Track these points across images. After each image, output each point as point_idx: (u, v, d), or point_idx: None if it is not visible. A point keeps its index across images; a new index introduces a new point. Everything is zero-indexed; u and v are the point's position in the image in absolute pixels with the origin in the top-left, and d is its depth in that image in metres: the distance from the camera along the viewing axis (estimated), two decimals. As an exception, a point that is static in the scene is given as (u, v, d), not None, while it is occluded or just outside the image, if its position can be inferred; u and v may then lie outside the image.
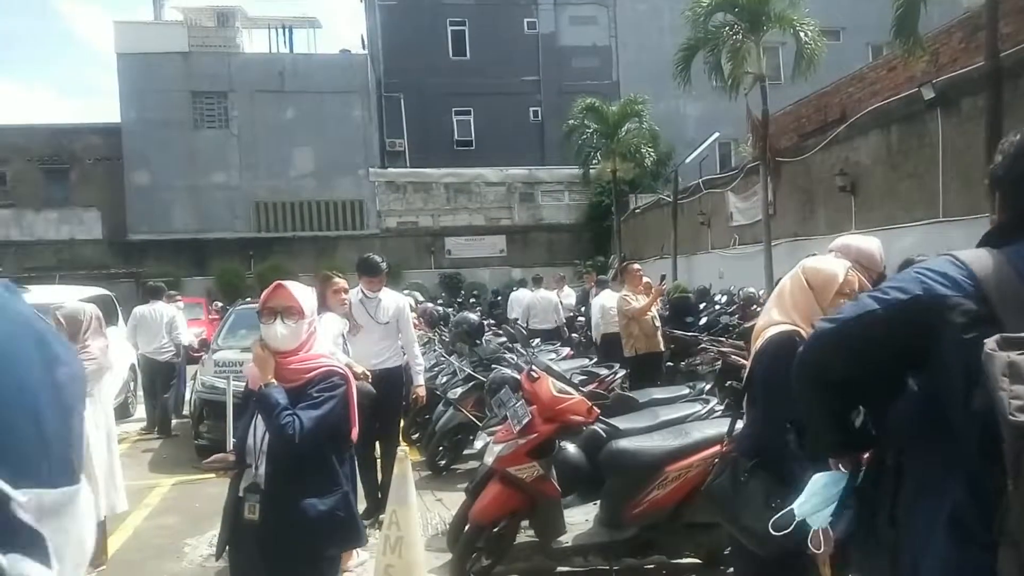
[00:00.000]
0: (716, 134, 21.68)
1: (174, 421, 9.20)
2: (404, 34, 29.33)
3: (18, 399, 0.60)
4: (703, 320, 10.93)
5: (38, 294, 7.23)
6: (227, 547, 2.74)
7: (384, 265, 5.45)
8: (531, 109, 30.81)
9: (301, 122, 27.89)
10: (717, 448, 4.12)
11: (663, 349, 7.63)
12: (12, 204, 26.73)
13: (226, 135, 27.88)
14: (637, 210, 24.74)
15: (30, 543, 0.57)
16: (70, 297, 6.84)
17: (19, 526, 0.56)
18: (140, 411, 9.64)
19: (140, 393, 9.84)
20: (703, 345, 8.46)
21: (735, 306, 11.62)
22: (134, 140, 27.11)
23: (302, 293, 2.70)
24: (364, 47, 30.30)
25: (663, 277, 8.05)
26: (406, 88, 29.59)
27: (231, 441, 7.27)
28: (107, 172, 27.89)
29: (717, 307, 12.26)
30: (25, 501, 0.57)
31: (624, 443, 3.94)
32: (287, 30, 29.77)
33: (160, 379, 9.12)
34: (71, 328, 4.68)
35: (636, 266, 7.63)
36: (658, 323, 7.55)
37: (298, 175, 28.47)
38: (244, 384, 2.92)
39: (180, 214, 27.77)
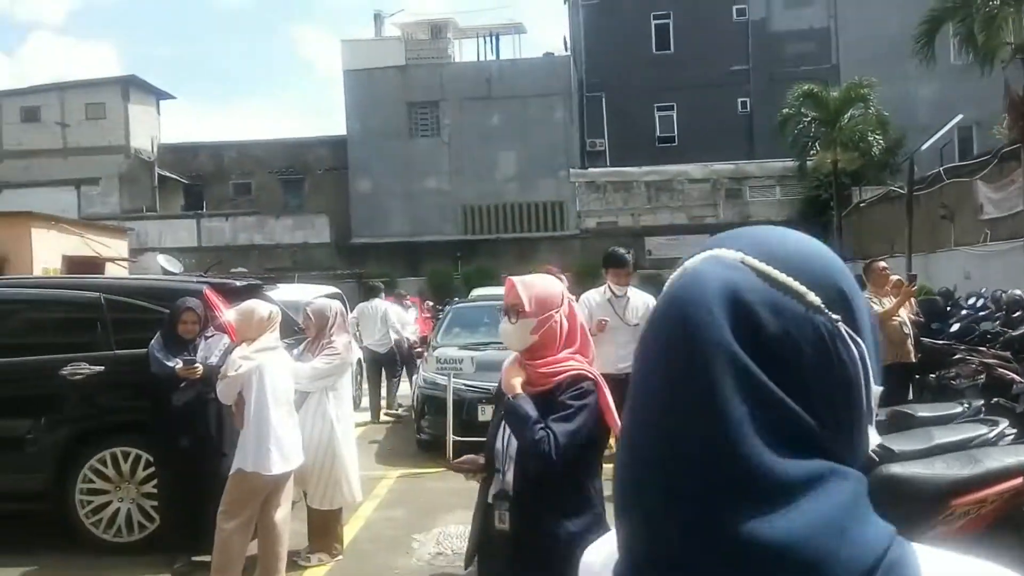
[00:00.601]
0: (959, 116, 19.17)
1: (383, 413, 9.90)
2: (607, 32, 29.13)
3: None
4: (954, 326, 9.61)
5: (285, 292, 7.85)
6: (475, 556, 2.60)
7: (630, 257, 5.19)
8: (739, 100, 29.39)
9: (506, 127, 28.63)
10: (1019, 481, 3.46)
11: (914, 359, 6.72)
12: (256, 212, 29.84)
13: (437, 143, 29.26)
14: (862, 204, 22.64)
15: None
16: (310, 295, 7.34)
17: None
18: (364, 402, 10.24)
19: (365, 386, 10.44)
20: (960, 355, 7.38)
21: (993, 311, 10.18)
22: (357, 150, 29.26)
23: (531, 289, 2.49)
24: (567, 48, 30.49)
25: (913, 277, 7.09)
26: (607, 87, 29.39)
27: (451, 437, 7.45)
28: (334, 181, 30.35)
29: (968, 311, 10.76)
30: None
31: (898, 468, 3.39)
32: (494, 38, 30.71)
33: (386, 368, 9.95)
34: (318, 323, 4.90)
35: (882, 264, 6.77)
36: (907, 329, 6.67)
37: (502, 178, 29.24)
38: (495, 386, 2.74)
39: (396, 218, 29.53)
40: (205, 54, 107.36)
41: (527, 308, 2.43)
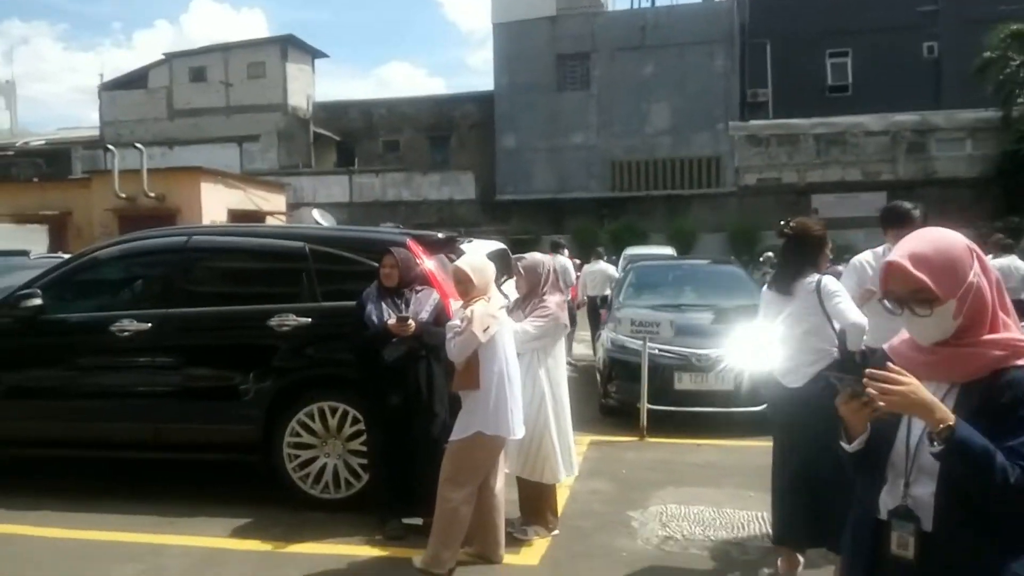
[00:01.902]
0: None
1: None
2: (775, -28, 27.00)
3: None
4: None
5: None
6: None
7: (918, 212, 4.14)
8: (924, 45, 26.54)
9: (659, 78, 27.31)
10: None
11: None
12: (404, 169, 30.24)
13: (586, 96, 28.38)
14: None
15: None
16: (482, 250, 6.93)
17: None
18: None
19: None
20: None
21: None
22: (504, 106, 28.89)
23: (930, 265, 1.77)
24: (729, -8, 28.55)
25: None
26: (773, 32, 27.30)
27: (644, 403, 6.89)
28: (480, 137, 30.22)
29: None
30: None
31: None
32: (651, -18, 29.26)
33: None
34: (530, 280, 4.42)
35: None
36: None
37: (654, 132, 28.02)
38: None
39: (541, 175, 29.06)
40: (351, 17, 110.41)
41: (937, 291, 1.71)
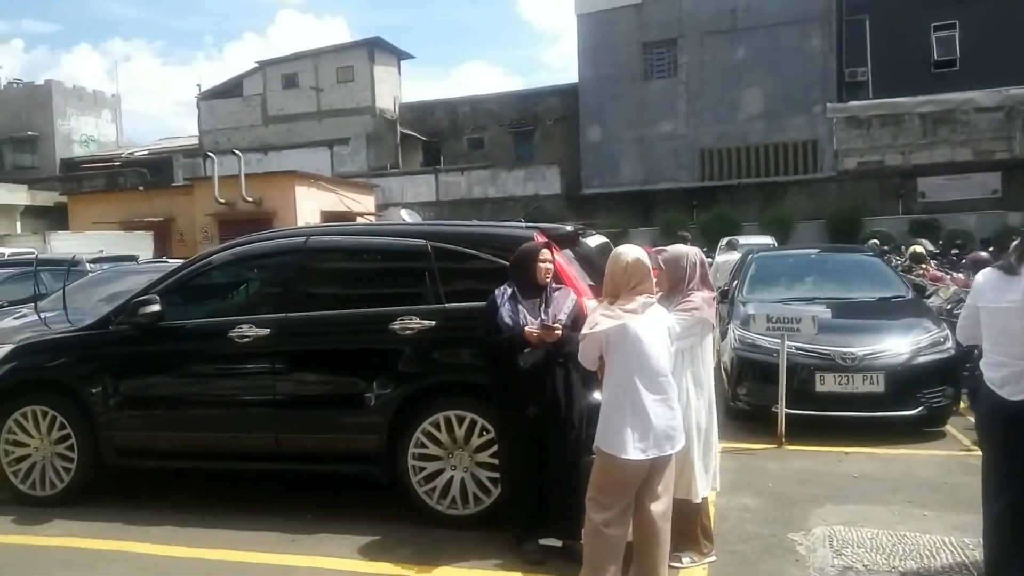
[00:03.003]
0: None
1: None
2: (875, -57, 25.50)
3: None
4: None
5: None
6: None
7: None
8: (1041, 12, 24.49)
9: (751, 61, 26.24)
10: None
11: None
12: (490, 165, 30.07)
13: (674, 83, 27.55)
14: None
15: None
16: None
17: None
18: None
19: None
20: None
21: None
22: (589, 97, 28.34)
23: None
24: (825, -33, 27.13)
25: None
26: (872, 7, 25.79)
27: (783, 407, 6.32)
28: (564, 131, 29.78)
29: None
30: None
31: None
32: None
33: None
34: (673, 275, 3.96)
35: None
36: None
37: (746, 118, 26.96)
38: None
39: (628, 166, 28.39)
40: (427, 18, 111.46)
41: None
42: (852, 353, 6.14)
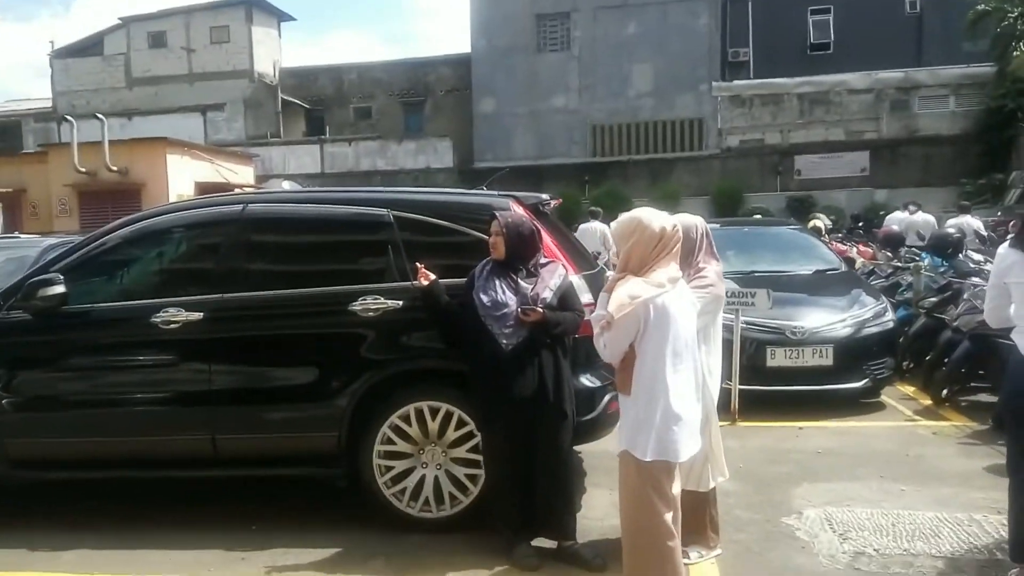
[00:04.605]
0: None
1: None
2: (758, -75, 26.20)
3: None
4: None
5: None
6: None
7: None
8: (907, 0, 26.04)
9: (643, 37, 26.45)
10: None
11: None
12: (379, 136, 28.97)
13: (567, 57, 27.41)
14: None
15: None
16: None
17: None
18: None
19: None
20: None
21: None
22: (482, 69, 27.76)
23: None
24: (712, -53, 27.66)
25: None
26: (755, -11, 26.58)
27: (737, 385, 6.18)
28: (457, 103, 29.07)
29: None
30: None
31: None
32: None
33: None
34: (684, 246, 3.65)
35: None
36: None
37: (636, 95, 27.22)
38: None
39: (521, 141, 28.12)
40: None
41: None
42: (802, 327, 6.11)
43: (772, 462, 5.05)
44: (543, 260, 3.69)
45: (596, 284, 4.10)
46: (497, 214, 3.68)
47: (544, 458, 3.61)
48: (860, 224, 19.65)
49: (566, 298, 3.65)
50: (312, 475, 4.19)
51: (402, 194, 4.39)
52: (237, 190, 21.73)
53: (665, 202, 23.78)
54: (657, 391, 2.86)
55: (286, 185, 23.45)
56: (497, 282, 3.56)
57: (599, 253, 9.40)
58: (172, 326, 3.94)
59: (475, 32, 27.78)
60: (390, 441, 3.92)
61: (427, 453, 3.94)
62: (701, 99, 26.86)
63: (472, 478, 3.91)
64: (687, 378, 2.96)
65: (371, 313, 3.87)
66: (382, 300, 3.87)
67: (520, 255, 3.61)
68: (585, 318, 3.56)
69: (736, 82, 26.87)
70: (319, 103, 30.64)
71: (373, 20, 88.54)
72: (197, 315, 3.94)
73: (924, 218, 12.18)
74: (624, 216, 3.05)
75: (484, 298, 3.53)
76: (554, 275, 3.66)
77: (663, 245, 2.90)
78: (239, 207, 4.21)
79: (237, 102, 29.22)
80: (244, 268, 4.05)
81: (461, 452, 3.92)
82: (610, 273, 4.81)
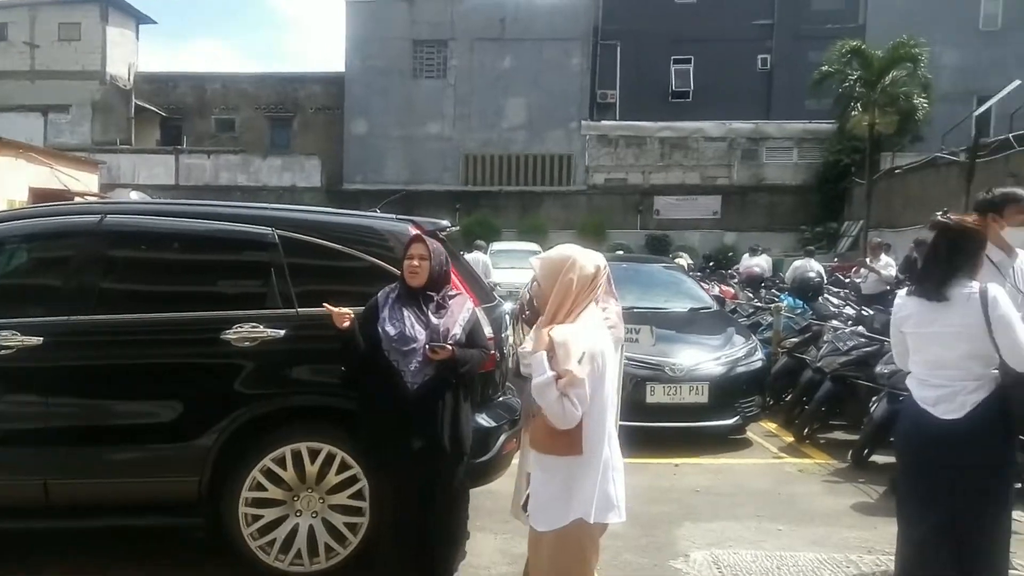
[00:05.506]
0: (1017, 82, 18.38)
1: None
2: (630, -25, 27.49)
3: None
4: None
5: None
6: None
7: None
8: (759, 57, 28.13)
9: (517, 72, 26.97)
10: None
11: None
12: (242, 150, 27.69)
13: (443, 85, 27.44)
14: (897, 170, 21.75)
15: None
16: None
17: None
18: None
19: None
20: None
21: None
22: (355, 89, 27.27)
23: None
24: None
25: None
26: (623, 35, 27.78)
27: (617, 420, 6.16)
28: (328, 121, 28.34)
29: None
30: None
31: None
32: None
33: None
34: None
35: None
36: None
37: (509, 127, 27.65)
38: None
39: (393, 165, 27.78)
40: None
41: None
42: (680, 364, 6.20)
43: (654, 501, 5.03)
44: (451, 292, 3.47)
45: (494, 317, 3.93)
46: (424, 237, 3.43)
47: (439, 505, 3.37)
48: (711, 264, 20.87)
49: (473, 334, 3.43)
50: (164, 525, 3.70)
51: (289, 212, 4.02)
52: (78, 199, 20.00)
53: (533, 234, 24.25)
54: (603, 446, 2.60)
55: (134, 196, 21.80)
56: (406, 313, 3.28)
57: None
58: (4, 352, 3.38)
59: (350, 52, 27.30)
60: (260, 487, 3.53)
61: (302, 500, 3.58)
62: (571, 136, 27.65)
63: (352, 527, 3.59)
64: (613, 426, 2.81)
65: (247, 343, 3.50)
66: (261, 328, 3.51)
67: (437, 285, 3.37)
68: (491, 353, 3.37)
69: (603, 122, 27.90)
70: (177, 111, 28.94)
71: (240, 31, 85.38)
72: (35, 340, 3.40)
73: (763, 260, 13.31)
74: (553, 254, 2.75)
75: (391, 330, 3.24)
76: (463, 309, 3.44)
77: (595, 284, 2.67)
78: (96, 218, 3.70)
79: (85, 104, 27.05)
80: (98, 288, 3.55)
81: (341, 498, 3.59)
82: (508, 304, 4.65)
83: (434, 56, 27.20)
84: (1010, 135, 16.47)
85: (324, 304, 3.22)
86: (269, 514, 3.55)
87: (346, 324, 3.22)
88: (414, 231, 3.75)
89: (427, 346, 3.20)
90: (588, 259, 2.65)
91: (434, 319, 3.29)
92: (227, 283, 3.71)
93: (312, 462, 3.55)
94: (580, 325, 2.58)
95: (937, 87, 22.04)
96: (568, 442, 2.53)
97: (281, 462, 3.53)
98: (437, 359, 3.21)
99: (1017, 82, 18.49)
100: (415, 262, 3.28)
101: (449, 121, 27.54)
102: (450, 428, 3.34)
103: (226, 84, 28.86)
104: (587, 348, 2.50)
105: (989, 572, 3.03)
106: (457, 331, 3.33)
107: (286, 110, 28.72)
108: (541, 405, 2.46)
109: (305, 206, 6.16)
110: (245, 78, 29.16)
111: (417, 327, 3.25)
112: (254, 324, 3.50)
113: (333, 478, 3.57)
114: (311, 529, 3.58)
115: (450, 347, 3.22)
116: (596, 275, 2.63)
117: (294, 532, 3.56)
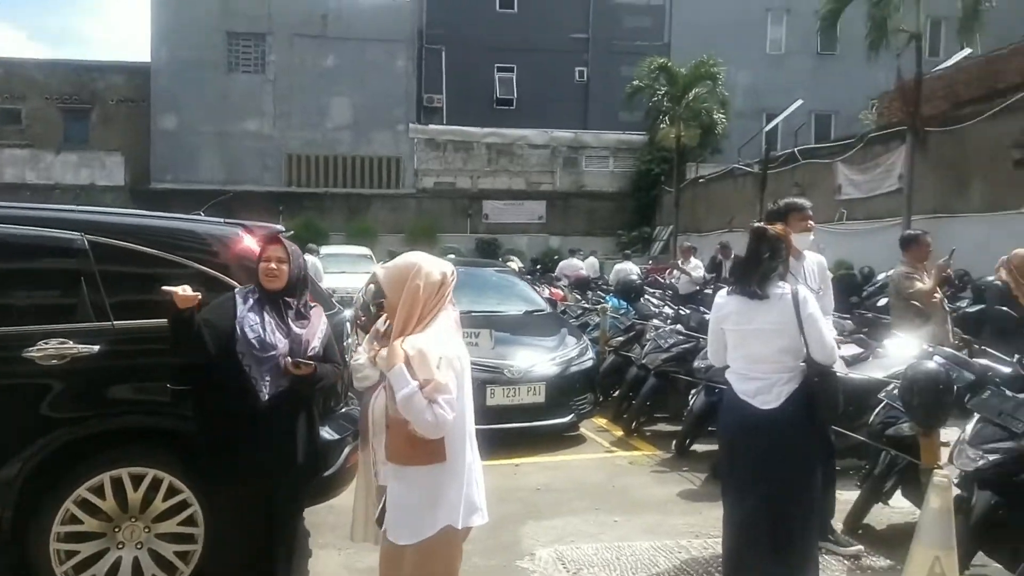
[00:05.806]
0: (799, 101, 20.63)
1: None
2: (452, -19, 27.71)
3: None
4: (881, 301, 9.95)
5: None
6: None
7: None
8: (577, 69, 29.40)
9: (341, 71, 26.31)
10: None
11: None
12: (29, 144, 24.88)
13: (261, 81, 26.22)
14: (701, 180, 23.61)
15: None
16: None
17: None
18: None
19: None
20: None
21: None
22: (163, 81, 25.38)
23: None
24: (411, -6, 28.60)
25: (952, 252, 6.70)
26: (448, 40, 27.97)
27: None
28: (132, 115, 26.14)
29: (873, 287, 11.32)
30: None
31: None
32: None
33: None
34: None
35: (928, 237, 6.36)
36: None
37: (334, 127, 26.94)
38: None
39: (207, 163, 26.15)
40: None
41: None
42: (517, 366, 6.33)
43: (499, 501, 5.01)
44: (311, 303, 3.29)
45: (335, 324, 3.79)
46: (281, 238, 3.22)
47: (282, 524, 3.19)
48: (539, 267, 21.59)
49: (329, 348, 3.28)
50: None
51: (100, 215, 3.64)
52: None
53: (362, 238, 23.79)
54: (465, 449, 2.59)
55: None
56: (267, 317, 3.05)
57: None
58: None
59: (156, 41, 25.36)
60: (75, 519, 3.18)
61: (124, 531, 3.27)
62: (399, 139, 27.42)
63: (184, 555, 3.33)
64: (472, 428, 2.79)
65: (55, 360, 3.13)
66: (70, 344, 3.15)
67: (296, 290, 3.17)
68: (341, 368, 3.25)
69: (431, 126, 27.93)
70: (-53, 98, 25.48)
71: (26, 13, 76.63)
72: None
73: (590, 262, 13.90)
74: (399, 262, 2.66)
75: (250, 334, 2.99)
76: (321, 320, 3.27)
77: (443, 292, 2.61)
78: None
79: None
80: None
81: (170, 526, 3.32)
82: (348, 311, 4.49)
83: (251, 50, 25.92)
84: (795, 149, 18.39)
85: (163, 287, 2.86)
86: (86, 549, 3.21)
87: (188, 305, 2.87)
88: (246, 236, 3.55)
89: (288, 360, 3.01)
90: (434, 266, 2.61)
91: (295, 328, 3.11)
92: (28, 295, 3.30)
93: (135, 489, 3.24)
94: (432, 332, 2.55)
95: (732, 104, 24.20)
96: (430, 450, 2.48)
97: (99, 491, 3.20)
98: (299, 375, 3.03)
99: (799, 102, 20.76)
100: (272, 265, 3.07)
101: (269, 119, 26.35)
102: (304, 443, 3.18)
103: (9, 70, 25.76)
104: (443, 353, 2.47)
105: (799, 546, 3.35)
106: (316, 344, 3.17)
107: (83, 101, 26.14)
108: (408, 417, 2.39)
109: (115, 208, 5.64)
110: (32, 64, 26.23)
111: (278, 334, 3.05)
112: (62, 340, 3.14)
113: (160, 504, 3.28)
114: (136, 561, 3.27)
115: (311, 363, 3.04)
116: (443, 282, 2.59)
117: (116, 566, 3.24)
